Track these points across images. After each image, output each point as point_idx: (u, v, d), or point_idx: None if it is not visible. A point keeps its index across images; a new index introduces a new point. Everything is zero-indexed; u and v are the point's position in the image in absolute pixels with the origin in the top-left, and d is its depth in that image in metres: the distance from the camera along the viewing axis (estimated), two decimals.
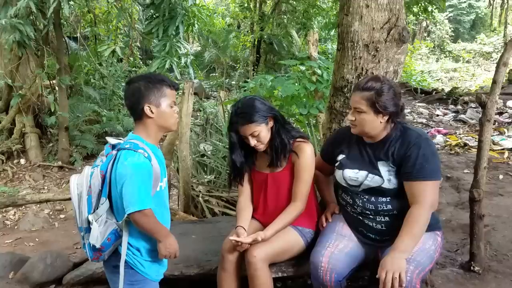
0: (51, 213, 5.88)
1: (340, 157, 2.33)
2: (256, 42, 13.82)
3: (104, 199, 1.82)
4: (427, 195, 2.05)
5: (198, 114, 10.47)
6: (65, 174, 7.29)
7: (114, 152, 1.83)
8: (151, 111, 1.85)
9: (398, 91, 2.16)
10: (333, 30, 13.34)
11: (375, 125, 2.14)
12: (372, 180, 2.16)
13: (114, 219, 1.85)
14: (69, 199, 1.93)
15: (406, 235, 2.01)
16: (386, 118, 2.13)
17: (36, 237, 4.97)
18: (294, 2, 13.37)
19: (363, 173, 2.20)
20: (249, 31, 14.45)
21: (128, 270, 1.89)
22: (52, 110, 7.07)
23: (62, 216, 5.84)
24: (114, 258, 1.90)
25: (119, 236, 1.86)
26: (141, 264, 1.90)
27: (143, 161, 1.77)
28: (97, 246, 1.82)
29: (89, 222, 1.83)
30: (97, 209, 1.83)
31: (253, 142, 2.30)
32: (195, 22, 8.13)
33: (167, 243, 1.87)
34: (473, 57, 23.12)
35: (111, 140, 1.90)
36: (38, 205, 5.88)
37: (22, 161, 7.42)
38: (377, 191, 2.16)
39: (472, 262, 2.96)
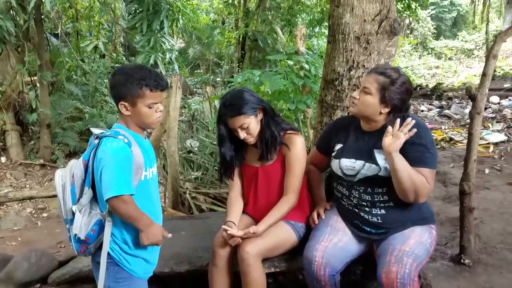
0: (33, 211, 5.74)
1: (338, 146, 2.30)
2: (240, 39, 13.74)
3: (87, 189, 1.78)
4: (427, 181, 2.04)
5: (183, 111, 10.37)
6: (47, 172, 7.15)
7: (96, 141, 1.80)
8: (126, 109, 1.80)
9: (410, 89, 2.15)
10: (318, 27, 13.35)
11: (375, 112, 2.12)
12: (369, 169, 2.14)
13: (98, 209, 1.81)
14: (53, 196, 1.88)
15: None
16: (387, 110, 2.11)
17: (18, 236, 4.85)
18: None
19: (360, 162, 2.17)
20: (233, 28, 14.36)
21: (114, 267, 1.84)
22: (34, 107, 6.92)
23: (45, 214, 5.71)
24: (100, 253, 1.83)
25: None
26: (127, 261, 1.85)
27: (121, 146, 1.73)
28: (82, 237, 1.77)
29: (73, 213, 1.78)
30: (80, 198, 1.78)
31: (242, 134, 2.26)
32: (180, 17, 8.04)
33: (149, 233, 1.80)
34: (455, 54, 23.37)
35: (95, 131, 1.86)
36: (20, 204, 5.73)
37: (3, 159, 7.26)
38: (373, 180, 2.13)
39: (462, 255, 2.97)
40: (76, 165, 1.81)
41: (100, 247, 1.83)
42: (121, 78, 1.79)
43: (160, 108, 1.85)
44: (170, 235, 1.90)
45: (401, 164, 1.99)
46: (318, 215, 2.38)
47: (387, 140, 2.01)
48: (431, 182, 2.06)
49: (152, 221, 1.84)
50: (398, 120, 2.03)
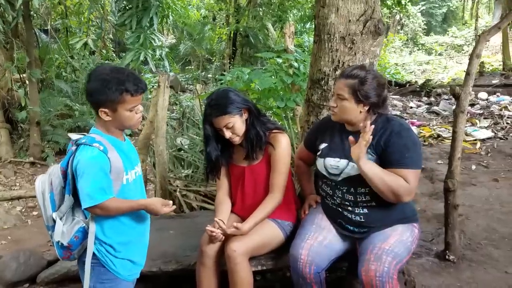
0: (23, 210, 5.73)
1: (322, 146, 2.34)
2: (232, 35, 13.73)
3: (67, 196, 1.78)
4: (407, 182, 2.06)
5: (174, 108, 10.35)
6: (37, 170, 7.12)
7: (74, 147, 1.78)
8: (107, 115, 1.78)
9: (382, 82, 2.18)
10: (309, 23, 13.37)
11: (355, 114, 2.16)
12: (352, 169, 2.17)
13: (81, 216, 1.81)
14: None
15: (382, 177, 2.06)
16: (366, 108, 2.15)
17: (8, 235, 4.83)
18: None
19: (343, 161, 2.20)
20: (224, 24, 14.35)
21: (99, 268, 1.85)
22: (23, 104, 6.87)
23: (35, 213, 5.70)
24: (85, 256, 1.84)
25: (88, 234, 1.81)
26: (112, 263, 1.86)
27: (96, 154, 1.71)
28: (64, 244, 1.78)
29: (54, 220, 1.78)
30: (61, 206, 1.79)
31: (228, 134, 2.28)
32: (170, 13, 8.03)
33: (151, 211, 1.85)
34: (445, 50, 23.51)
35: (73, 136, 1.84)
36: (10, 202, 5.71)
37: None
38: (356, 180, 2.16)
39: (447, 251, 3.02)
40: (54, 173, 1.80)
41: (85, 251, 1.83)
42: (98, 84, 1.74)
43: (140, 109, 1.84)
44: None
45: (369, 170, 2.04)
46: (311, 206, 2.46)
47: (352, 150, 2.05)
48: (413, 183, 2.08)
49: (141, 203, 1.86)
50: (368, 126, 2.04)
